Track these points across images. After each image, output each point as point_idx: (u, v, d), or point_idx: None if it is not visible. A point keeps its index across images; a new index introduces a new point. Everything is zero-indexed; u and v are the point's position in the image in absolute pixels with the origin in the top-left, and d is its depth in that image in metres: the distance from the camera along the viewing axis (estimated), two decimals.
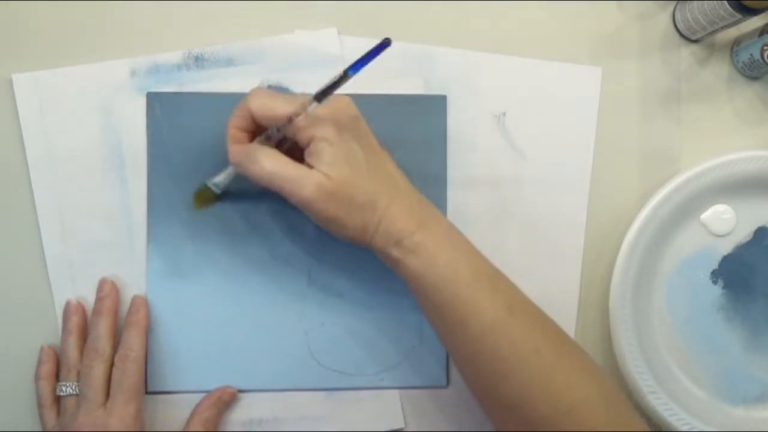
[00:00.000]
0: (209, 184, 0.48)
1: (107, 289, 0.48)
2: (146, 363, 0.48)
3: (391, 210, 0.43)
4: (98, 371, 0.45)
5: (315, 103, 0.42)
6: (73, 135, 0.50)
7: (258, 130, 0.45)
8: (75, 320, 0.48)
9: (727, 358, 0.52)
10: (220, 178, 0.47)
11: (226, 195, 0.49)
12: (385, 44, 0.40)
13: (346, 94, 0.50)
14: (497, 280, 0.44)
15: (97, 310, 0.48)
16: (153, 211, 0.50)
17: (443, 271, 0.42)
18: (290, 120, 0.42)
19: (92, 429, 0.44)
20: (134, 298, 0.49)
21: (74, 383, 0.46)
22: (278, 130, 0.43)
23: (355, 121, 0.44)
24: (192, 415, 0.48)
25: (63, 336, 0.48)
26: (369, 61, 0.40)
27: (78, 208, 0.49)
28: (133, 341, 0.47)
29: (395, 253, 0.43)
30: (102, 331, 0.47)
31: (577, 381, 0.42)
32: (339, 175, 0.42)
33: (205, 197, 0.49)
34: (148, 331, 0.48)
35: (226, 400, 0.49)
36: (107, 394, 0.45)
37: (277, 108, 0.43)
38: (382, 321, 0.50)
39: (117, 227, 0.50)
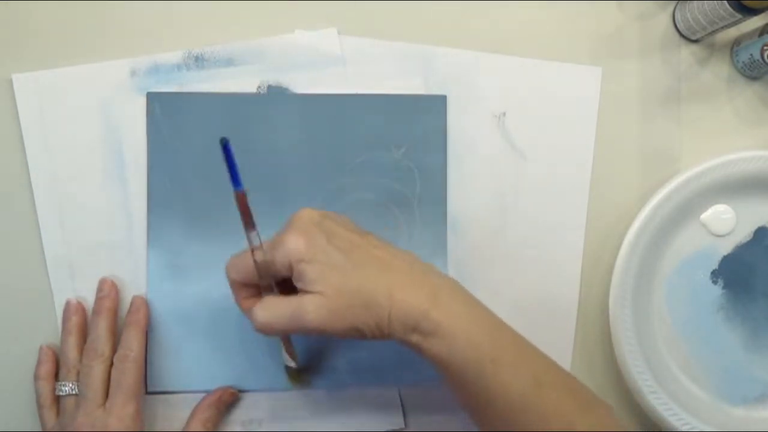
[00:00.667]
0: (287, 365, 0.48)
1: (107, 289, 0.48)
2: (146, 363, 0.48)
3: (395, 297, 0.40)
4: (97, 371, 0.45)
5: (253, 232, 0.40)
6: (73, 135, 0.50)
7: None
8: (75, 320, 0.48)
9: (727, 358, 0.52)
10: (285, 357, 0.47)
11: (309, 367, 0.49)
12: (225, 145, 0.38)
13: (348, 95, 0.51)
14: (521, 348, 0.42)
15: (96, 310, 0.48)
16: (153, 211, 0.50)
17: (464, 349, 0.40)
18: (255, 261, 0.41)
19: (91, 429, 0.44)
20: (134, 298, 0.49)
21: (74, 383, 0.46)
22: (261, 277, 0.41)
23: (320, 224, 0.41)
24: (192, 414, 0.48)
25: (63, 336, 0.48)
26: (232, 165, 0.39)
27: (78, 208, 0.49)
28: (132, 341, 0.47)
29: (415, 339, 0.40)
30: (101, 331, 0.47)
31: None
32: (328, 288, 0.39)
33: (296, 375, 0.49)
34: (148, 331, 0.48)
35: (226, 401, 0.49)
36: (107, 394, 0.45)
37: (244, 260, 0.41)
38: None
39: (117, 227, 0.50)
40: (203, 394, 0.49)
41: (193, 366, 0.49)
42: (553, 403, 0.40)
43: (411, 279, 0.41)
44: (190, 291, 0.50)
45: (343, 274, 0.40)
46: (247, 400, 0.50)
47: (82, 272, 0.49)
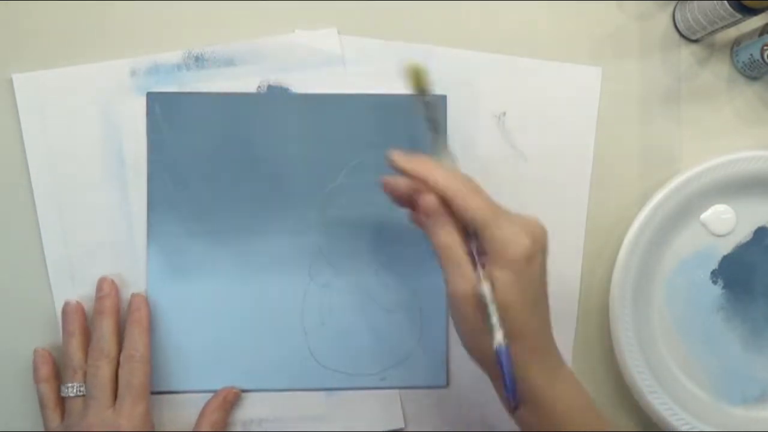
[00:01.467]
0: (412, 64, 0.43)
1: (107, 288, 0.48)
2: None
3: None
4: (105, 371, 0.45)
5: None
6: (73, 135, 0.50)
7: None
8: (77, 321, 0.48)
9: (727, 358, 0.52)
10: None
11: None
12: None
13: (347, 94, 0.51)
14: None
15: (98, 310, 0.48)
16: (153, 211, 0.50)
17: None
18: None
19: (102, 429, 0.44)
20: (133, 297, 0.49)
21: (80, 384, 0.46)
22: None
23: (543, 254, 0.41)
24: (200, 417, 0.48)
25: (65, 337, 0.48)
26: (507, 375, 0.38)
27: (78, 209, 0.49)
28: (137, 340, 0.47)
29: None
30: (106, 330, 0.47)
31: None
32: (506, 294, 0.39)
33: (417, 73, 0.44)
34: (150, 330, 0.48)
35: (231, 400, 0.49)
36: (115, 395, 0.45)
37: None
38: (382, 321, 0.50)
39: (117, 227, 0.50)
40: (204, 394, 0.49)
41: (193, 366, 0.49)
42: None
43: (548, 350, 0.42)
44: (190, 291, 0.50)
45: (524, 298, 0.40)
46: (247, 400, 0.50)
47: (82, 272, 0.49)
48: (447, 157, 0.42)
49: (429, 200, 0.40)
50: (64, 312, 0.48)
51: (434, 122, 0.43)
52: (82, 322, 0.48)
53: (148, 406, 0.46)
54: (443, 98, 0.51)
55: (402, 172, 0.41)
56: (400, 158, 0.41)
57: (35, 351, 0.48)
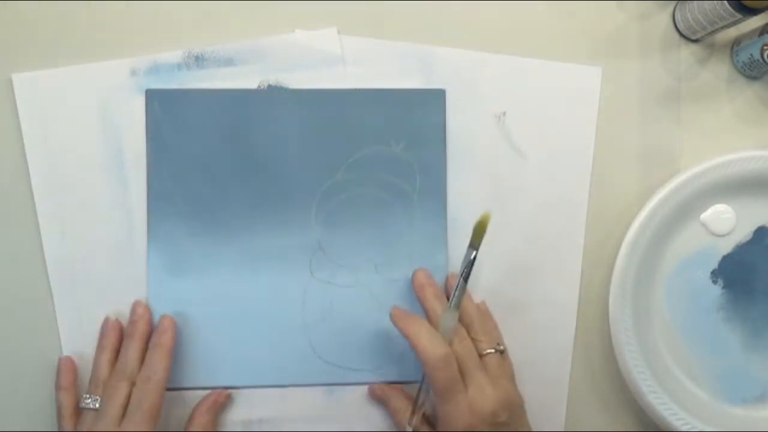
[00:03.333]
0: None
1: (140, 312, 0.49)
2: None
3: None
4: (122, 392, 0.46)
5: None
6: (73, 135, 0.50)
7: None
8: (110, 338, 0.48)
9: (727, 358, 0.52)
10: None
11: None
12: None
13: (347, 90, 0.51)
14: None
15: (128, 333, 0.48)
16: (152, 207, 0.50)
17: None
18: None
19: None
20: (162, 318, 0.49)
21: (98, 398, 0.46)
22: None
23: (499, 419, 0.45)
24: (190, 419, 0.49)
25: (97, 351, 0.48)
26: None
27: (78, 208, 0.49)
28: (157, 364, 0.47)
29: None
30: (131, 354, 0.47)
31: None
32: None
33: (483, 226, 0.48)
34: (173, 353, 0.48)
35: (221, 402, 0.49)
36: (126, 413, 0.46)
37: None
38: (383, 316, 0.50)
39: (117, 227, 0.50)
40: (203, 391, 0.49)
41: (194, 363, 0.50)
42: None
43: None
44: (190, 287, 0.50)
45: None
46: (248, 400, 0.50)
47: (82, 272, 0.49)
48: (453, 313, 0.47)
49: None
50: (102, 327, 0.49)
51: (466, 276, 0.47)
52: (114, 340, 0.48)
53: (154, 427, 0.45)
54: (442, 92, 0.51)
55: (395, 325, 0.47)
56: (397, 315, 0.47)
57: (60, 359, 0.48)
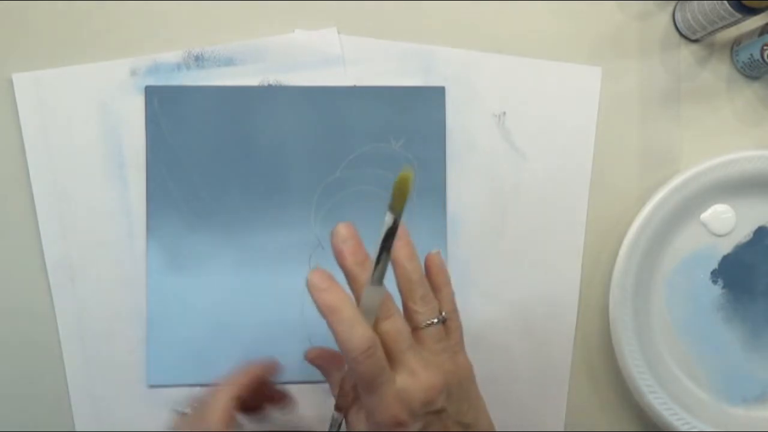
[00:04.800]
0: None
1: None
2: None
3: None
4: None
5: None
6: (73, 135, 0.50)
7: None
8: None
9: (727, 358, 0.52)
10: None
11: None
12: None
13: (347, 87, 0.50)
14: None
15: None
16: (152, 204, 0.50)
17: None
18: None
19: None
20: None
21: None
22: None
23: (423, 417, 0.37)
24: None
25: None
26: None
27: (78, 208, 0.50)
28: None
29: None
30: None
31: None
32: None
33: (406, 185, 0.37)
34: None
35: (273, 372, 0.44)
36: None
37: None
38: None
39: (117, 227, 0.50)
40: (204, 389, 0.49)
41: (194, 360, 0.50)
42: None
43: None
44: (189, 285, 0.50)
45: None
46: None
47: (82, 272, 0.49)
48: (376, 289, 0.38)
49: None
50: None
51: (388, 247, 0.37)
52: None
53: None
54: (442, 89, 0.51)
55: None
56: (315, 283, 0.39)
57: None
